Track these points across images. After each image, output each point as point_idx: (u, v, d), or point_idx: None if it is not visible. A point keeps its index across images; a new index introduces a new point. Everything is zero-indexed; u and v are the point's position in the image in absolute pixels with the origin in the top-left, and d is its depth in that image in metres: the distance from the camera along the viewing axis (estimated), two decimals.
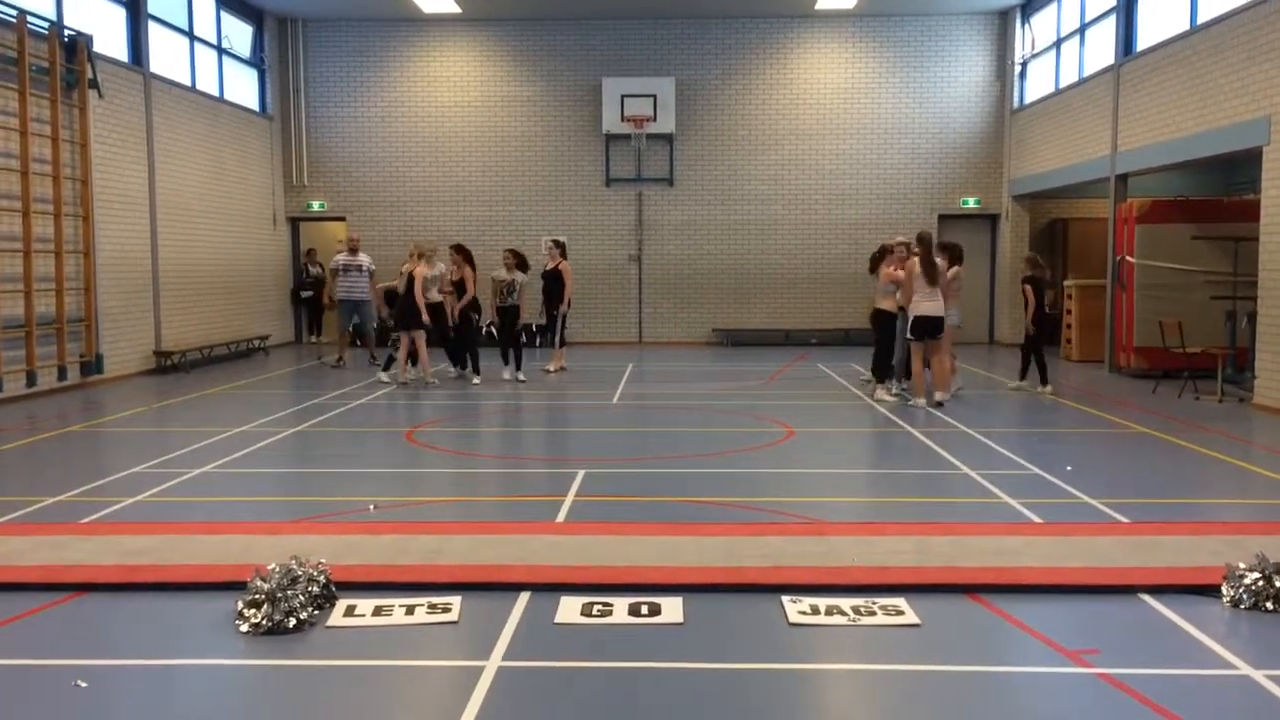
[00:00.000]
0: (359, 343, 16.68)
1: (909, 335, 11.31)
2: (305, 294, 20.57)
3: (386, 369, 13.67)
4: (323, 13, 19.75)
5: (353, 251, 15.62)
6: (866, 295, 12.53)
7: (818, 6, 19.08)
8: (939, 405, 11.28)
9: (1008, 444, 9.20)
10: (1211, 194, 16.83)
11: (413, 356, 13.34)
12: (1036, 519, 6.57)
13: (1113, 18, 15.47)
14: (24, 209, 12.27)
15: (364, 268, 15.55)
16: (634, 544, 5.82)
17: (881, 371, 12.04)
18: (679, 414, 11.41)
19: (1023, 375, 12.87)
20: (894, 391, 11.88)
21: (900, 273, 11.48)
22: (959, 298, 11.52)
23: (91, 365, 13.61)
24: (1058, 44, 17.91)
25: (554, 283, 14.49)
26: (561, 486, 7.51)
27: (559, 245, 14.91)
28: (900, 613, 4.77)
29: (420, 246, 13.55)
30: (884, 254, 12.02)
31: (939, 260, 11.36)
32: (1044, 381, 12.60)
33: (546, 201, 20.25)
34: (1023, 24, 19.22)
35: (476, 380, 13.56)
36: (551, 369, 14.72)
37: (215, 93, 17.86)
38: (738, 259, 20.27)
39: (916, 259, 11.24)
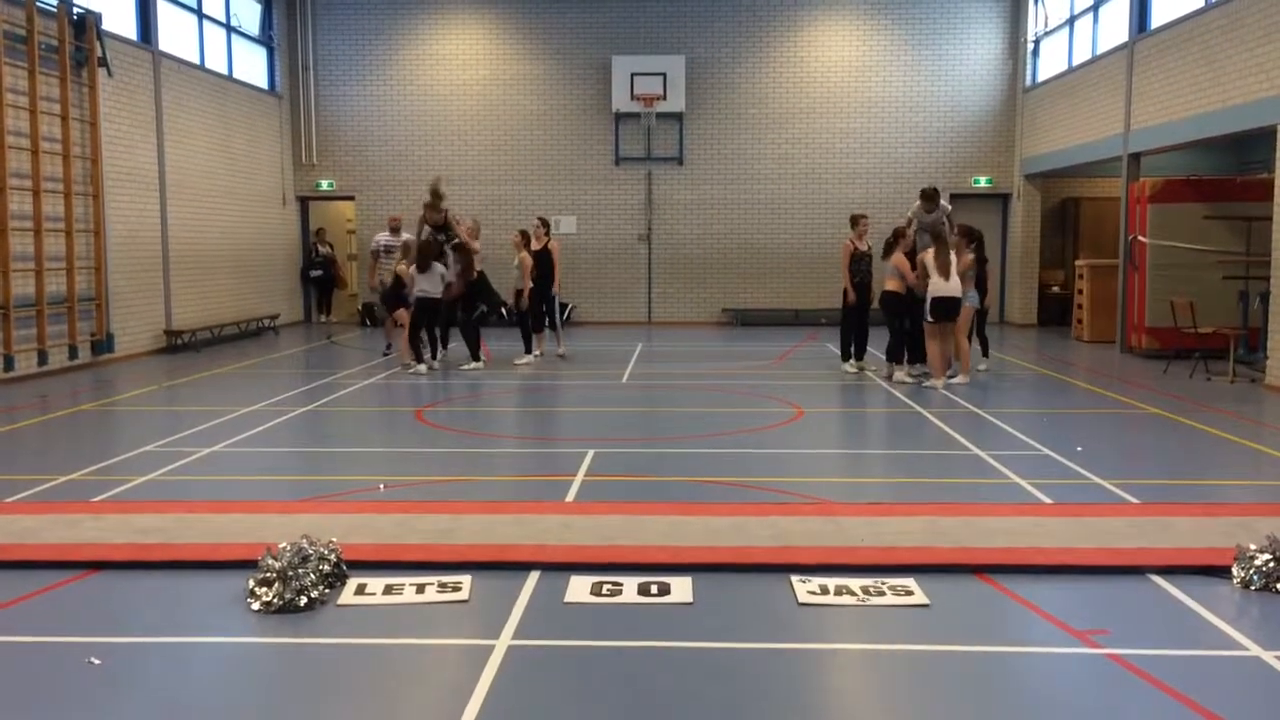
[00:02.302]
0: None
1: (928, 318, 11.32)
2: (315, 273, 20.59)
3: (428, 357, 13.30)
4: None
5: (394, 232, 14.51)
6: (878, 276, 12.52)
7: None
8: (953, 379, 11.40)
9: (1018, 425, 9.18)
10: (1224, 173, 16.71)
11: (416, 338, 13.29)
12: (1046, 500, 6.57)
13: None
14: (34, 188, 12.29)
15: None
16: (643, 524, 5.82)
17: (894, 354, 12.04)
18: (688, 394, 11.41)
19: (985, 352, 12.83)
20: (911, 374, 11.85)
21: (904, 259, 11.62)
22: (972, 282, 11.52)
23: (102, 344, 13.66)
24: (1071, 21, 17.76)
25: (543, 263, 13.73)
26: (571, 466, 7.52)
27: (544, 224, 14.02)
28: (909, 593, 4.77)
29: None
30: (897, 238, 12.00)
31: (953, 238, 11.43)
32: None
33: (555, 180, 20.20)
34: (1035, 1, 19.06)
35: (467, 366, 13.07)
36: (562, 351, 14.30)
37: (224, 71, 17.83)
38: (747, 238, 20.21)
39: (932, 250, 11.31)
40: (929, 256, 11.31)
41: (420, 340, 13.01)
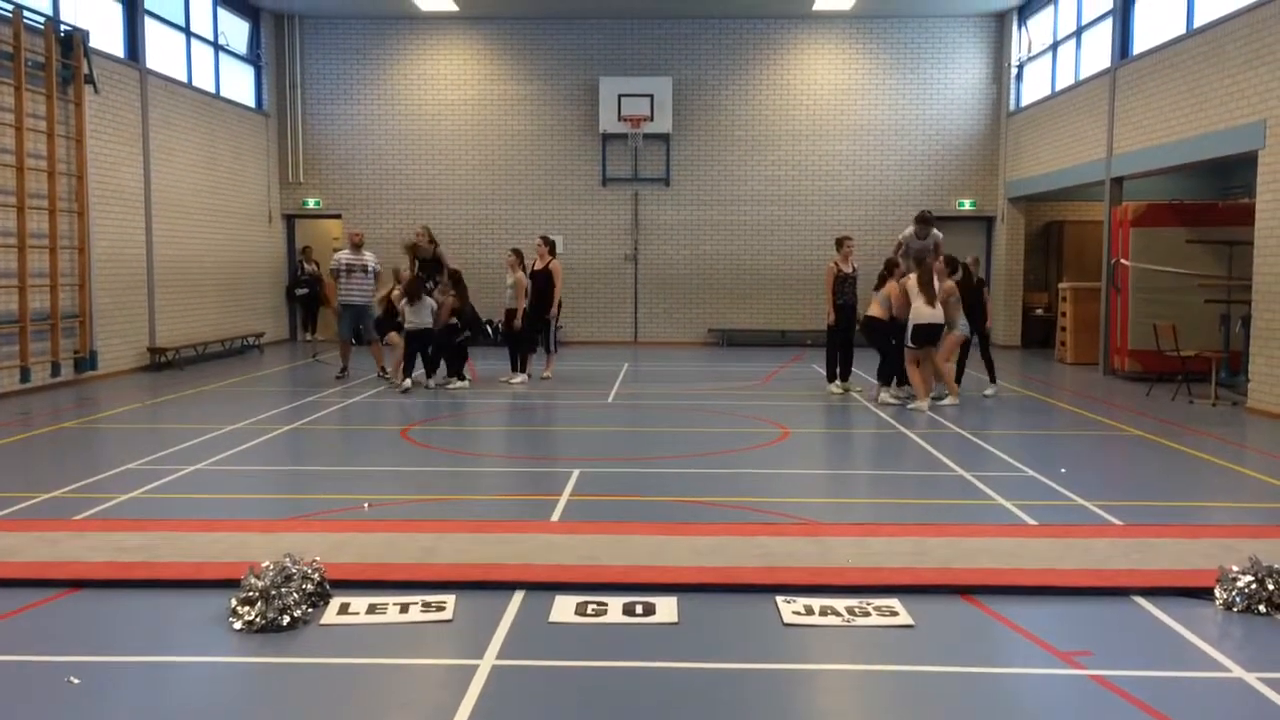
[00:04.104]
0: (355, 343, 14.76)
1: (909, 344, 11.38)
2: (300, 291, 20.54)
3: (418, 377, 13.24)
4: (320, 9, 19.73)
5: (356, 249, 13.69)
6: (863, 299, 12.64)
7: (815, 7, 19.10)
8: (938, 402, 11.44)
9: (1002, 446, 9.21)
10: (1206, 198, 16.85)
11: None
12: (1030, 521, 6.58)
13: (1109, 21, 15.50)
14: (19, 204, 12.25)
15: (369, 268, 13.62)
16: (628, 543, 5.82)
17: (884, 375, 12.08)
18: (674, 414, 11.41)
19: (992, 378, 12.82)
20: (897, 396, 11.87)
21: (897, 288, 11.69)
22: (958, 309, 11.58)
23: (86, 361, 13.59)
24: (1054, 47, 17.93)
25: (543, 283, 13.49)
26: (556, 485, 7.51)
27: (548, 243, 13.69)
28: (894, 614, 4.77)
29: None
30: (890, 269, 12.03)
31: (936, 264, 11.53)
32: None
33: (543, 201, 20.24)
34: (1019, 26, 19.24)
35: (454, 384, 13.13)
36: (547, 374, 13.93)
37: (211, 89, 17.83)
38: (734, 259, 20.28)
39: (914, 277, 11.41)
40: (912, 282, 11.40)
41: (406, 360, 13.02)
